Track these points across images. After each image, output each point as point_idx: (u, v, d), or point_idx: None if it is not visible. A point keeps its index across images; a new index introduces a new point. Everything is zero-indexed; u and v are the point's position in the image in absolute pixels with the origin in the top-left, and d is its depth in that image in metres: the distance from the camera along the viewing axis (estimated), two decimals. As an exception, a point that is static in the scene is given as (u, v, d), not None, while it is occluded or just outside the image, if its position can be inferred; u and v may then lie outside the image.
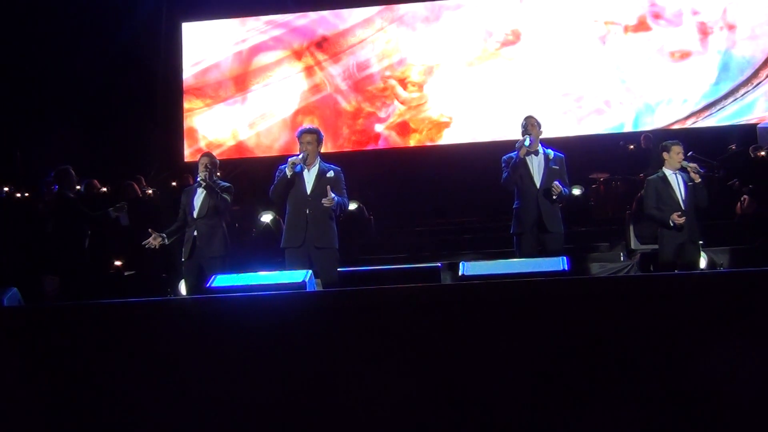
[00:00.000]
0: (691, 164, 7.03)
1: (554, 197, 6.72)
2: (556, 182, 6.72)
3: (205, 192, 6.89)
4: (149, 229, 6.93)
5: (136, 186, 10.65)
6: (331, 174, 6.43)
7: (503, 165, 6.94)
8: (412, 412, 3.55)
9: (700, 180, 6.95)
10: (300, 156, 6.33)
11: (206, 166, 6.90)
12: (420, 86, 13.25)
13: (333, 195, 6.20)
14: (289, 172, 6.26)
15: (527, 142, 6.78)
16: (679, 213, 6.84)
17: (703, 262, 7.79)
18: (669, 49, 12.53)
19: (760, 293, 3.44)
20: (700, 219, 7.20)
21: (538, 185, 6.80)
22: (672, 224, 6.84)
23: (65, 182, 8.24)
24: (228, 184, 7.06)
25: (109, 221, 8.57)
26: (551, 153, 6.92)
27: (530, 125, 6.92)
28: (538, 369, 3.51)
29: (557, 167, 6.88)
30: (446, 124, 13.08)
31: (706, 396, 3.39)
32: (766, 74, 12.25)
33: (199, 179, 6.91)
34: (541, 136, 6.99)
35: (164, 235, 6.92)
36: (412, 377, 3.58)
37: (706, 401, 3.38)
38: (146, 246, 6.89)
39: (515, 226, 6.91)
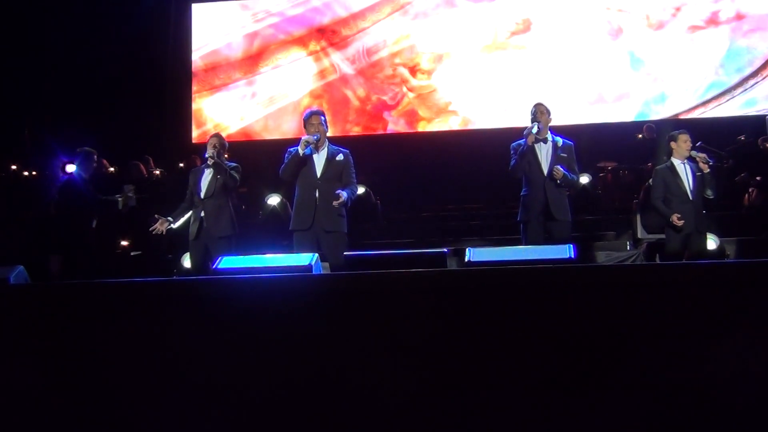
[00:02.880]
0: (701, 154, 7.01)
1: (557, 181, 6.71)
2: (558, 166, 6.71)
3: (212, 172, 6.91)
4: (155, 215, 6.97)
5: (142, 166, 10.67)
6: (341, 158, 6.44)
7: (512, 152, 6.92)
8: (417, 397, 3.56)
9: (708, 171, 6.93)
10: (314, 136, 6.34)
11: (215, 146, 6.94)
12: (429, 74, 13.20)
13: (343, 194, 6.21)
14: (301, 150, 6.27)
15: (535, 129, 6.77)
16: (679, 215, 6.86)
17: (713, 245, 7.81)
18: (679, 37, 12.46)
19: (766, 284, 3.43)
20: (709, 209, 7.19)
21: (545, 173, 6.78)
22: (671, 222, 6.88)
23: (83, 164, 8.25)
24: (235, 164, 7.08)
25: (114, 208, 8.61)
26: (560, 141, 6.89)
27: (539, 112, 6.90)
28: (542, 356, 3.51)
29: (565, 155, 6.86)
30: (455, 112, 13.03)
31: (711, 386, 3.38)
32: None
33: (206, 156, 6.92)
34: (550, 124, 6.98)
35: (171, 219, 6.95)
36: (417, 362, 3.58)
37: (711, 391, 3.38)
38: (153, 232, 6.94)
39: (522, 214, 6.90)
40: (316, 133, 6.37)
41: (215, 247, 6.74)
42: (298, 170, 6.37)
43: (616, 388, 3.45)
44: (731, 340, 3.37)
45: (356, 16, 13.49)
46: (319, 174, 6.37)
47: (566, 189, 6.91)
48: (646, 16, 12.59)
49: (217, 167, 6.85)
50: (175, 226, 6.99)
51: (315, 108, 6.80)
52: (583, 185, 10.64)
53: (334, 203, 6.18)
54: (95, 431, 3.75)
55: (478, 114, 12.90)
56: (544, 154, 6.84)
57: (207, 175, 6.94)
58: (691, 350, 3.43)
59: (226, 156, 7.15)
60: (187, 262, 7.78)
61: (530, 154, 6.80)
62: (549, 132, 6.92)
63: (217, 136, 7.17)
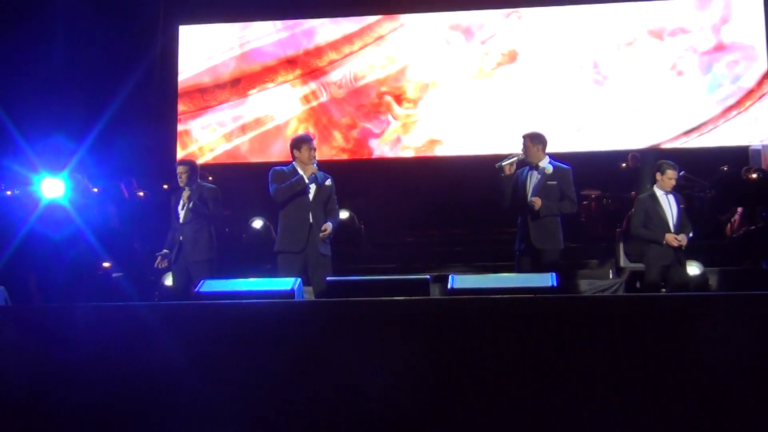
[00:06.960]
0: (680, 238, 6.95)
1: (539, 211, 6.66)
2: (535, 197, 6.65)
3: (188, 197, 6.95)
4: (156, 254, 7.08)
5: (123, 187, 10.64)
6: (329, 182, 6.59)
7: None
8: (399, 421, 3.55)
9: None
10: (314, 163, 6.44)
11: (183, 176, 6.97)
12: (415, 102, 13.23)
13: (329, 226, 6.30)
14: (307, 181, 6.35)
15: (506, 162, 6.72)
16: (674, 236, 6.85)
17: (696, 270, 7.85)
18: (663, 67, 12.56)
19: (746, 316, 3.46)
20: (692, 239, 7.23)
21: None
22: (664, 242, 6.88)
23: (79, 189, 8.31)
24: (212, 186, 7.10)
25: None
26: (550, 168, 6.81)
27: (523, 146, 6.88)
28: (523, 383, 3.52)
29: (555, 182, 6.76)
30: (440, 141, 13.06)
31: (687, 415, 3.40)
32: (759, 96, 12.28)
33: (181, 199, 6.98)
34: (544, 150, 6.91)
35: (167, 250, 7.02)
36: (398, 389, 3.58)
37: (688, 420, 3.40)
38: (159, 267, 7.03)
39: (516, 244, 6.90)
40: (314, 159, 6.46)
41: (195, 270, 6.79)
42: (295, 197, 6.42)
43: (595, 414, 3.46)
44: (707, 370, 3.39)
45: (344, 41, 13.51)
46: (311, 197, 6.43)
47: (556, 216, 6.82)
48: (629, 44, 12.69)
49: (189, 202, 6.91)
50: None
51: (308, 133, 6.86)
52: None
53: (321, 235, 6.26)
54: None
55: (464, 143, 12.91)
56: (532, 183, 6.81)
57: (183, 201, 6.96)
58: (668, 379, 3.45)
59: (210, 178, 7.18)
60: (168, 280, 7.81)
61: (520, 184, 6.80)
62: (548, 158, 6.88)
63: (183, 163, 7.20)
